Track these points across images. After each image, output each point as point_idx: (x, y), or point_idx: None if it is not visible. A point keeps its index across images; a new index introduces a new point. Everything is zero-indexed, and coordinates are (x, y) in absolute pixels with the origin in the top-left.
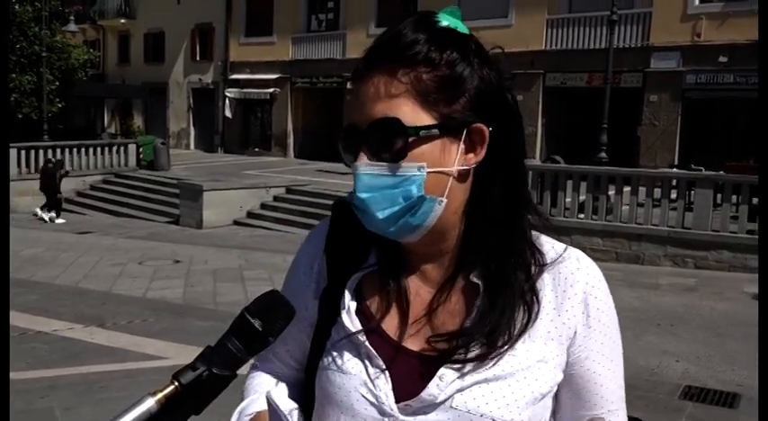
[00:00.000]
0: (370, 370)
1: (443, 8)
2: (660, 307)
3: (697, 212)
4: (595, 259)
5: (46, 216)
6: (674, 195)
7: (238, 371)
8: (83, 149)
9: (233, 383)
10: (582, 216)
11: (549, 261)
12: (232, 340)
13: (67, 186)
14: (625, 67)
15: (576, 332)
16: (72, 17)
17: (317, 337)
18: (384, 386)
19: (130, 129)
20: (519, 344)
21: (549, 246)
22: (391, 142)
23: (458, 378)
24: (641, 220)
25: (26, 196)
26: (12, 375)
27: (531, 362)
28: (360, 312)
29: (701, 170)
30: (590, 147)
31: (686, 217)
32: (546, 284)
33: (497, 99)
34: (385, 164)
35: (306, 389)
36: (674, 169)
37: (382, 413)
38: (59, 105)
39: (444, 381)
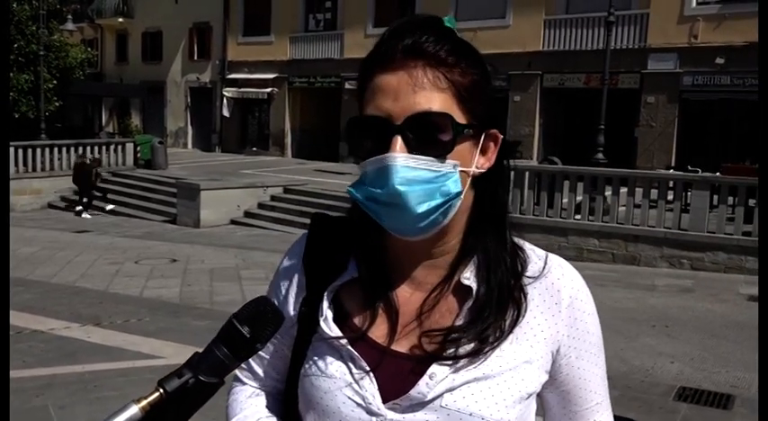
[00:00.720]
0: (354, 371)
1: (440, 9)
2: (656, 308)
3: (693, 214)
4: (592, 260)
5: (86, 214)
6: (670, 196)
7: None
8: (80, 148)
9: (222, 389)
10: (578, 217)
11: (533, 265)
12: (220, 347)
13: (65, 185)
14: (622, 68)
15: (564, 336)
16: (70, 16)
17: (298, 347)
18: (370, 386)
19: (128, 129)
20: (506, 346)
21: (531, 250)
22: (437, 137)
23: (448, 376)
24: (638, 221)
25: (23, 195)
26: None
27: (518, 363)
28: (343, 322)
29: (698, 171)
30: (587, 148)
31: (683, 218)
32: (533, 288)
33: (498, 106)
34: (431, 158)
35: (288, 400)
36: (671, 170)
37: (370, 413)
38: (57, 104)
39: (434, 380)
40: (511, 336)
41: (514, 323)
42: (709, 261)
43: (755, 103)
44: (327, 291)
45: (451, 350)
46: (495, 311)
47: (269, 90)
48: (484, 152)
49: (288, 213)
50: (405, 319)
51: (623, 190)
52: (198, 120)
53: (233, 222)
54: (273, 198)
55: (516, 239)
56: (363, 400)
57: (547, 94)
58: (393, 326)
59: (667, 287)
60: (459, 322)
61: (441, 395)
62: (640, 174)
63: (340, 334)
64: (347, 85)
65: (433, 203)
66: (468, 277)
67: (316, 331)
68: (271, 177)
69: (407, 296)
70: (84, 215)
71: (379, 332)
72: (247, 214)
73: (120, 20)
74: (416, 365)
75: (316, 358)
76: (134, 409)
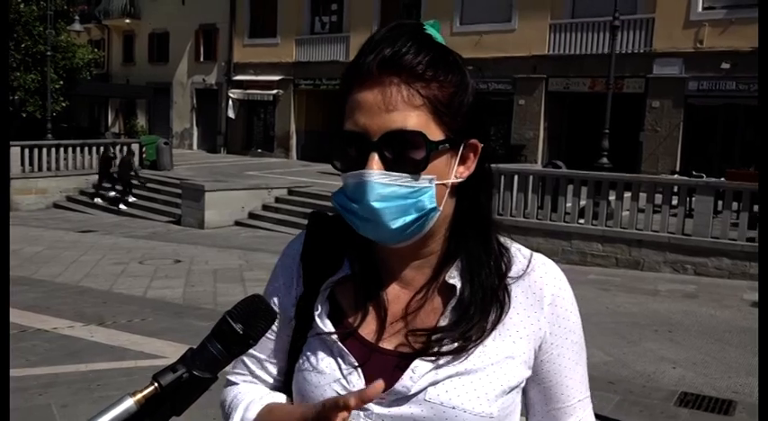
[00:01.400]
0: (343, 367)
1: (445, 12)
2: (659, 313)
3: (697, 219)
4: (595, 264)
5: (127, 201)
6: (674, 201)
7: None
8: (86, 148)
9: (215, 384)
10: (582, 221)
11: (517, 264)
12: (213, 343)
13: (71, 185)
14: (627, 72)
15: (546, 333)
16: (77, 17)
17: (294, 343)
18: (357, 381)
19: (134, 129)
20: (489, 342)
21: (516, 250)
22: (410, 154)
23: (431, 371)
24: (641, 226)
25: (29, 194)
26: (11, 372)
27: (500, 358)
28: (336, 318)
29: (703, 177)
30: (591, 153)
31: (686, 223)
32: (517, 287)
33: (482, 113)
34: (405, 175)
35: (287, 392)
36: (676, 175)
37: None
38: (63, 104)
39: (417, 374)
40: (494, 333)
41: (497, 321)
42: (712, 266)
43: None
44: (323, 287)
45: (435, 347)
46: (479, 311)
47: (274, 92)
48: (464, 161)
49: (292, 215)
50: (392, 317)
51: (627, 194)
52: (203, 121)
53: (237, 223)
54: (278, 200)
55: (503, 240)
56: None
57: (552, 98)
58: (381, 324)
59: (670, 292)
60: (444, 320)
61: (424, 389)
62: (644, 179)
63: (332, 329)
64: (339, 97)
65: (408, 219)
66: (453, 277)
67: (311, 327)
68: (275, 179)
69: (396, 295)
70: (121, 206)
71: (368, 329)
72: (252, 215)
73: (127, 21)
74: (401, 361)
75: (309, 353)
76: (129, 402)
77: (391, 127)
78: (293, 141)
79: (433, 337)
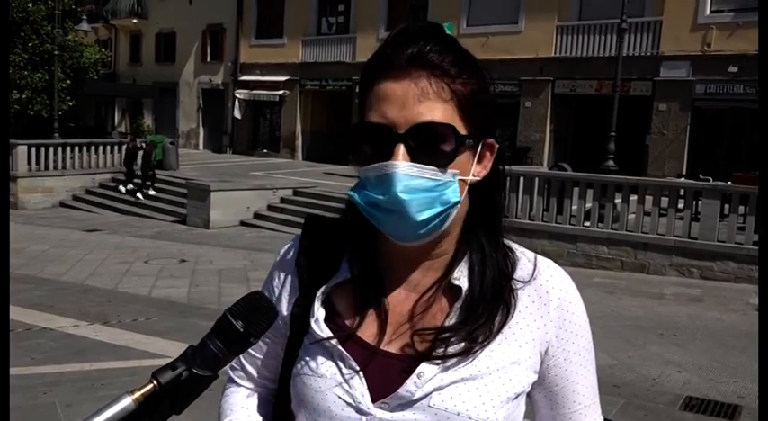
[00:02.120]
0: (344, 371)
1: (452, 14)
2: (664, 316)
3: (704, 222)
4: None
5: (149, 192)
6: (680, 205)
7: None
8: (93, 148)
9: (215, 382)
10: (588, 224)
11: (523, 267)
12: (214, 341)
13: (77, 184)
14: (634, 75)
15: (552, 337)
16: (84, 16)
17: (290, 348)
18: (359, 386)
19: (140, 129)
20: (495, 346)
21: (521, 253)
22: (439, 147)
23: (436, 375)
24: (647, 229)
25: (35, 193)
26: (16, 370)
27: (506, 363)
28: (333, 322)
29: (709, 180)
30: (598, 155)
31: (693, 227)
32: (523, 291)
33: (496, 115)
34: (432, 167)
35: (280, 401)
36: (682, 179)
37: (360, 412)
38: (70, 103)
39: (422, 379)
40: (500, 337)
41: (503, 323)
42: (718, 270)
43: None
44: (319, 292)
45: (441, 349)
46: (485, 311)
47: (280, 92)
48: (480, 160)
49: (297, 215)
50: (396, 320)
51: (633, 197)
52: (209, 121)
53: (242, 224)
54: (283, 200)
55: (506, 242)
56: (353, 400)
57: (558, 101)
58: (383, 326)
59: (676, 296)
60: (450, 321)
61: (429, 394)
62: (650, 182)
63: (330, 334)
64: (359, 89)
65: (433, 211)
66: (459, 277)
67: (308, 331)
68: (281, 179)
69: (400, 297)
70: (138, 195)
71: (368, 332)
72: (257, 216)
73: (135, 21)
74: (406, 365)
75: (307, 358)
76: (128, 400)
77: (419, 119)
78: (299, 142)
79: (439, 339)
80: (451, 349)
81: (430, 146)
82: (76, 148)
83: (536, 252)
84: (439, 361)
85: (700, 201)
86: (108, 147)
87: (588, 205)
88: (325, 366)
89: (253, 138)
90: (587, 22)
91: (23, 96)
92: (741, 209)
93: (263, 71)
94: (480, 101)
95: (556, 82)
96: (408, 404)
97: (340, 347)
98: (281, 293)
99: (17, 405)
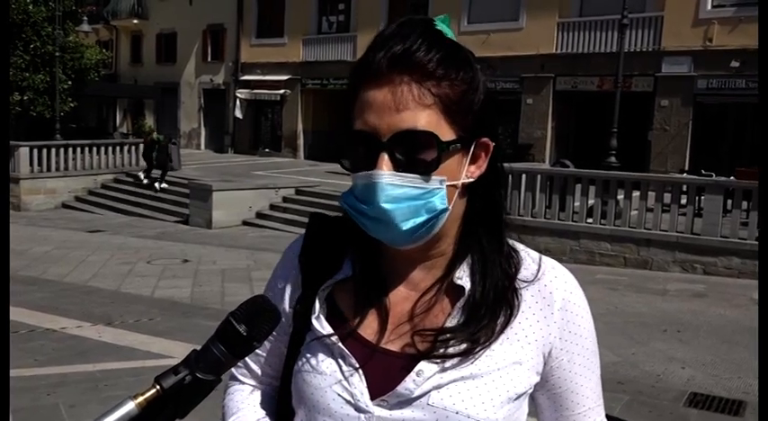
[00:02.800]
0: (344, 368)
1: (453, 11)
2: (667, 313)
3: (707, 218)
4: (604, 264)
5: (158, 185)
6: (683, 201)
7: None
8: (94, 149)
9: (220, 386)
10: (590, 220)
11: (527, 268)
12: (217, 345)
13: (79, 185)
14: (636, 71)
15: (556, 338)
16: (85, 17)
17: (292, 345)
18: (359, 383)
19: (142, 129)
20: (497, 346)
21: (525, 253)
22: (421, 154)
23: (435, 374)
24: (650, 225)
25: (38, 194)
26: (20, 372)
27: (507, 363)
28: (335, 319)
29: (712, 175)
30: (600, 152)
31: (696, 222)
32: (526, 291)
33: (494, 111)
34: (416, 176)
35: (282, 397)
36: (685, 174)
37: (358, 410)
38: (72, 105)
39: (422, 377)
40: (502, 337)
41: (506, 324)
42: (722, 266)
43: None
44: (321, 289)
45: (441, 349)
46: (488, 312)
47: (282, 92)
48: (475, 160)
49: (299, 215)
50: (397, 319)
51: (636, 193)
52: (211, 121)
53: (245, 223)
54: (285, 199)
55: (511, 242)
56: (352, 397)
57: (559, 97)
58: (383, 324)
59: (679, 292)
60: (452, 321)
61: (428, 393)
62: (653, 178)
63: (331, 331)
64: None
65: (419, 220)
66: (462, 277)
67: (309, 329)
68: (283, 179)
69: (401, 296)
70: (157, 186)
71: (369, 329)
72: (259, 215)
73: (135, 21)
74: (406, 363)
75: (308, 355)
76: (131, 406)
77: (401, 127)
78: (300, 141)
79: (440, 338)
80: (452, 350)
81: (413, 154)
82: (78, 149)
83: (538, 249)
84: (439, 360)
85: (702, 197)
86: (110, 148)
87: (591, 202)
88: (325, 363)
89: (254, 138)
90: (588, 19)
91: (25, 98)
92: (744, 204)
93: (263, 71)
94: (471, 100)
95: (557, 78)
96: (407, 402)
97: (340, 344)
98: (284, 290)
99: (21, 406)
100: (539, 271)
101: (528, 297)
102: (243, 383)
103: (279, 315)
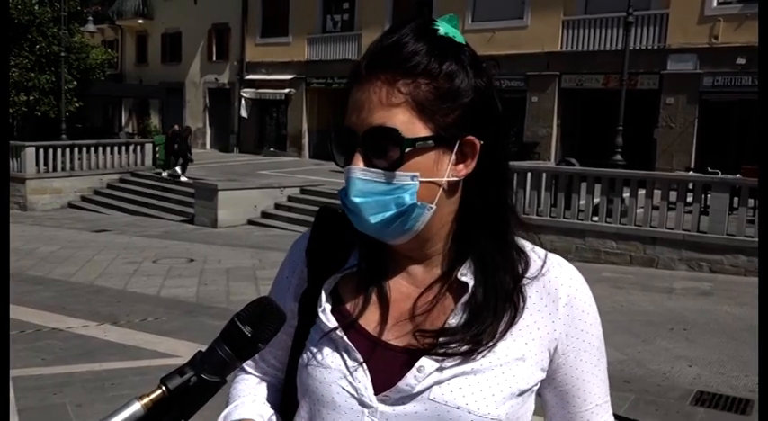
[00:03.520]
0: (349, 363)
1: (457, 9)
2: (674, 311)
3: (713, 216)
4: (609, 262)
5: (181, 174)
6: (689, 198)
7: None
8: (100, 148)
9: (224, 388)
10: (596, 218)
11: (532, 265)
12: (222, 346)
13: (85, 185)
14: (641, 68)
15: (562, 335)
16: (90, 17)
17: (297, 338)
18: (363, 378)
19: (147, 129)
20: (500, 342)
21: (531, 250)
22: (387, 151)
23: (437, 370)
24: (656, 224)
25: (44, 194)
26: (26, 371)
27: (509, 359)
28: (337, 310)
29: (718, 173)
30: (605, 150)
31: (702, 220)
32: (531, 288)
33: (488, 110)
34: (380, 171)
35: (287, 389)
36: (691, 172)
37: (362, 404)
38: (77, 105)
39: (423, 373)
40: (506, 334)
41: (510, 324)
42: (728, 264)
43: None
44: (327, 282)
45: (443, 348)
46: (491, 314)
47: (286, 91)
48: (463, 159)
49: (304, 214)
50: (399, 313)
51: (641, 191)
52: (216, 120)
53: (250, 222)
54: (290, 198)
55: (519, 241)
56: (356, 392)
57: (565, 95)
58: (384, 317)
59: (685, 290)
60: (454, 318)
61: (429, 388)
62: (659, 176)
63: (336, 325)
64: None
65: (388, 214)
66: (465, 274)
67: (314, 322)
68: (288, 178)
69: (404, 291)
70: (182, 178)
71: (370, 321)
72: (264, 214)
73: (140, 21)
74: (408, 358)
75: (313, 348)
76: (137, 406)
77: (371, 124)
78: (305, 140)
79: (442, 336)
80: (456, 348)
81: (380, 150)
82: (84, 149)
83: (544, 247)
84: (441, 356)
85: (709, 195)
86: (115, 148)
87: (596, 200)
88: (329, 358)
89: (259, 137)
90: (593, 16)
91: (31, 98)
92: (750, 202)
93: (268, 70)
94: (453, 98)
95: (562, 76)
96: (409, 397)
97: (345, 338)
98: (290, 284)
99: (28, 406)
100: (543, 267)
101: (533, 293)
102: (249, 373)
103: (284, 316)
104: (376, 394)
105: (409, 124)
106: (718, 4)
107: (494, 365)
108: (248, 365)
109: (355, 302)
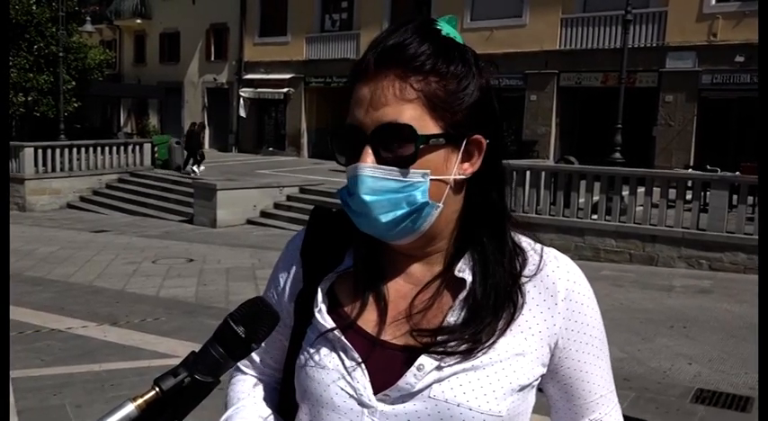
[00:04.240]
0: (347, 363)
1: (456, 8)
2: (673, 309)
3: (712, 214)
4: (609, 260)
5: (197, 169)
6: (688, 196)
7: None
8: (99, 148)
9: (218, 388)
10: (595, 217)
11: (530, 260)
12: (215, 346)
13: (84, 185)
14: (640, 66)
15: (562, 329)
16: (88, 17)
17: (294, 339)
18: (361, 378)
19: (146, 129)
20: (500, 339)
21: (528, 245)
22: (401, 147)
23: (436, 368)
24: (655, 221)
25: (43, 195)
26: (26, 372)
27: (509, 355)
28: (335, 311)
29: (717, 171)
30: (604, 148)
31: (701, 218)
32: (529, 283)
33: (491, 109)
34: (393, 168)
35: (285, 390)
36: (690, 170)
37: (361, 404)
38: (76, 105)
39: (422, 371)
40: (505, 331)
41: (510, 322)
42: (728, 261)
43: None
44: (322, 282)
45: (442, 347)
46: (490, 313)
47: (285, 90)
48: (468, 158)
49: (304, 213)
50: (397, 311)
51: (641, 189)
52: (215, 120)
53: (249, 222)
54: (289, 198)
55: (516, 238)
56: (355, 392)
57: (564, 94)
58: (382, 316)
59: (685, 288)
60: (453, 316)
61: (429, 386)
62: (658, 174)
63: (333, 325)
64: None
65: (399, 213)
66: (463, 271)
67: (311, 322)
68: (287, 177)
69: (402, 289)
70: (197, 170)
71: (368, 321)
72: (263, 214)
73: (138, 21)
74: (407, 356)
75: (311, 349)
76: (130, 407)
77: (383, 120)
78: (304, 139)
79: (441, 334)
80: (455, 346)
81: (392, 147)
82: (83, 150)
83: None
84: (440, 354)
85: (708, 193)
86: (114, 148)
87: (595, 198)
88: (327, 358)
89: (258, 137)
90: (592, 14)
91: (29, 98)
92: (750, 199)
93: (267, 69)
94: (461, 96)
95: (561, 75)
96: (409, 396)
97: (343, 338)
98: (286, 284)
99: (28, 407)
100: (540, 262)
101: (531, 289)
102: (246, 374)
103: (277, 316)
104: (375, 393)
105: (421, 121)
106: (717, 1)
107: (494, 362)
108: (245, 366)
109: (352, 302)
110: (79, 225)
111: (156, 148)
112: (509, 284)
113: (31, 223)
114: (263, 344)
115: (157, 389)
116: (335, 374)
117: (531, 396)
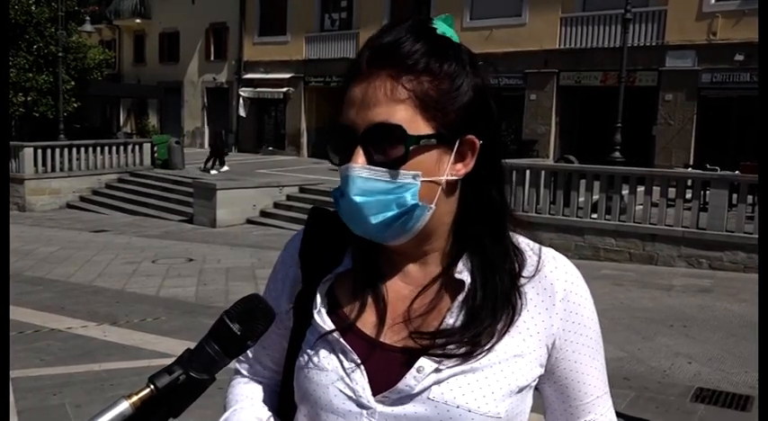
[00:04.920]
0: (346, 365)
1: (455, 8)
2: (673, 308)
3: (712, 213)
4: (609, 259)
5: (222, 168)
6: (688, 195)
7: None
8: (98, 148)
9: (214, 385)
10: (595, 216)
11: (528, 261)
12: (211, 343)
13: (84, 185)
14: (640, 65)
15: (559, 330)
16: (88, 17)
17: (293, 340)
18: (360, 379)
19: (145, 129)
20: (499, 341)
21: (526, 245)
22: (391, 148)
23: (435, 370)
24: (655, 221)
25: (42, 195)
26: (25, 372)
27: (508, 356)
28: (334, 313)
29: (717, 170)
30: (604, 147)
31: (701, 217)
32: (528, 284)
33: (486, 109)
34: (383, 169)
35: (284, 391)
36: (689, 169)
37: (360, 406)
38: (75, 105)
39: (422, 373)
40: (504, 333)
41: (509, 324)
42: (728, 260)
43: None
44: (321, 283)
45: (441, 349)
46: (489, 315)
47: (285, 90)
48: (462, 158)
49: (304, 213)
50: (396, 312)
51: (640, 189)
52: (214, 120)
53: (249, 222)
54: (289, 197)
55: (516, 238)
56: (354, 393)
57: (563, 93)
58: (381, 318)
59: (685, 287)
60: (452, 317)
61: (428, 388)
62: (657, 173)
63: (332, 327)
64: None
65: (389, 214)
66: (462, 272)
67: (310, 324)
68: (286, 177)
69: (400, 291)
70: (212, 171)
71: (367, 323)
72: (263, 214)
73: (138, 21)
74: (406, 358)
75: (310, 351)
76: (125, 405)
77: (374, 121)
78: (304, 139)
79: (440, 336)
80: (454, 348)
81: (383, 148)
82: (82, 150)
83: (543, 245)
84: (439, 356)
85: (708, 192)
86: (114, 148)
87: (595, 197)
88: (326, 360)
89: (258, 136)
90: (591, 13)
91: (29, 98)
92: (749, 198)
93: (266, 69)
94: (454, 96)
95: (561, 74)
96: (408, 397)
97: (342, 340)
98: (284, 285)
99: (28, 407)
100: (539, 263)
101: (529, 290)
102: (245, 376)
103: (273, 314)
104: (374, 395)
105: (412, 121)
106: (716, 0)
107: (492, 363)
108: (244, 368)
109: (351, 304)
110: (79, 225)
111: (155, 148)
112: (508, 286)
113: (31, 223)
114: (263, 346)
115: (152, 386)
116: (334, 376)
117: (528, 396)
